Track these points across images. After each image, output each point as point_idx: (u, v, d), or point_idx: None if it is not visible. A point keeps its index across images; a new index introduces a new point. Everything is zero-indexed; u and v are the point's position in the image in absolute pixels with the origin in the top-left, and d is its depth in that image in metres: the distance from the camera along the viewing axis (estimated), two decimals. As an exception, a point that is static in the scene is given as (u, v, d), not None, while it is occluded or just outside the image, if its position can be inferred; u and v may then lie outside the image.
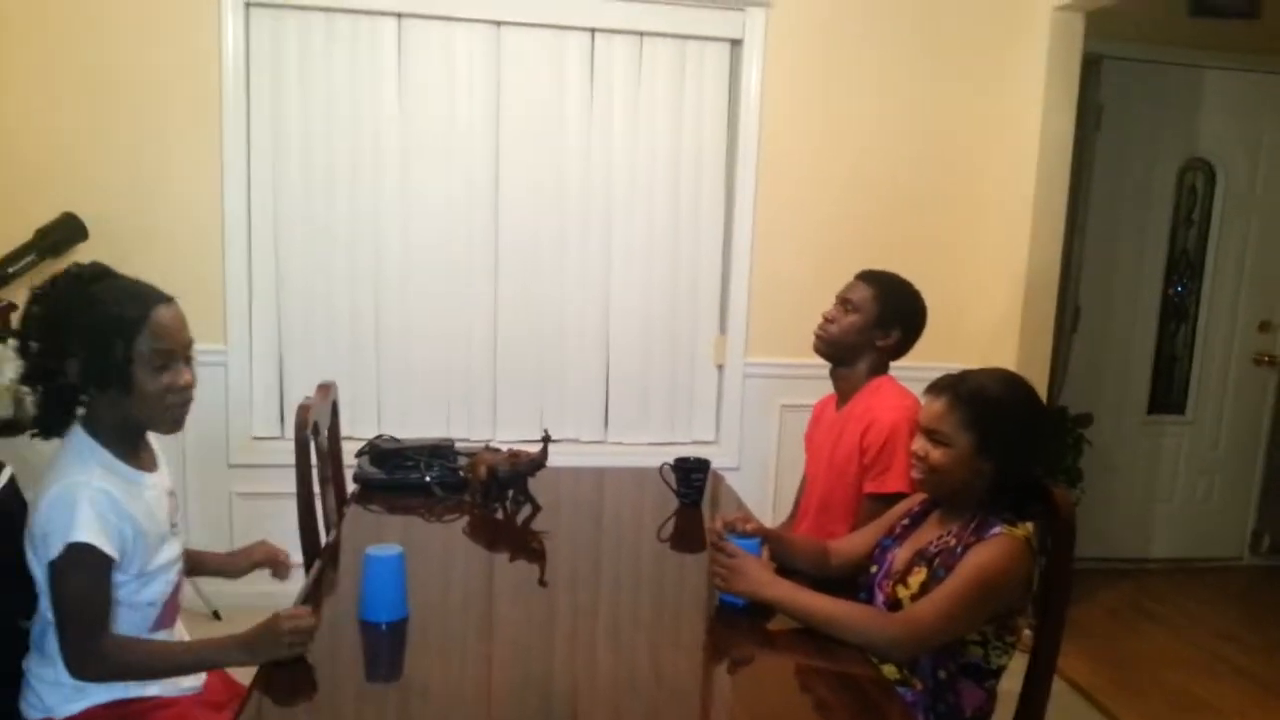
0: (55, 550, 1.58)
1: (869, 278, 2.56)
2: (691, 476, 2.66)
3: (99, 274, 1.71)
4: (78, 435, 1.70)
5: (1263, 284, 4.65)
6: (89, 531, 1.58)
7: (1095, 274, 4.47)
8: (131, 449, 1.75)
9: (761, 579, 1.89)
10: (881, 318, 2.50)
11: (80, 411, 1.71)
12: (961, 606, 1.76)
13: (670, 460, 2.70)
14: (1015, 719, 1.95)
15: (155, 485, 1.78)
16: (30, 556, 1.65)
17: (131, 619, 1.72)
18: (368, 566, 1.77)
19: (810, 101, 3.76)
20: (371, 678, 1.65)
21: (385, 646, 1.74)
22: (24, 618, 1.79)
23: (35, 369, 1.67)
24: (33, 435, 1.73)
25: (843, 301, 2.55)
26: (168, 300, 1.72)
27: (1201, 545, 4.81)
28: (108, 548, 1.60)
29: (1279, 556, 4.85)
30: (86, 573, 1.60)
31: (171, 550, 1.80)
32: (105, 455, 1.69)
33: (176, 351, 1.71)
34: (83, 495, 1.59)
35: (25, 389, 1.71)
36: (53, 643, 1.67)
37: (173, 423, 1.74)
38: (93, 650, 1.62)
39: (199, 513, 3.52)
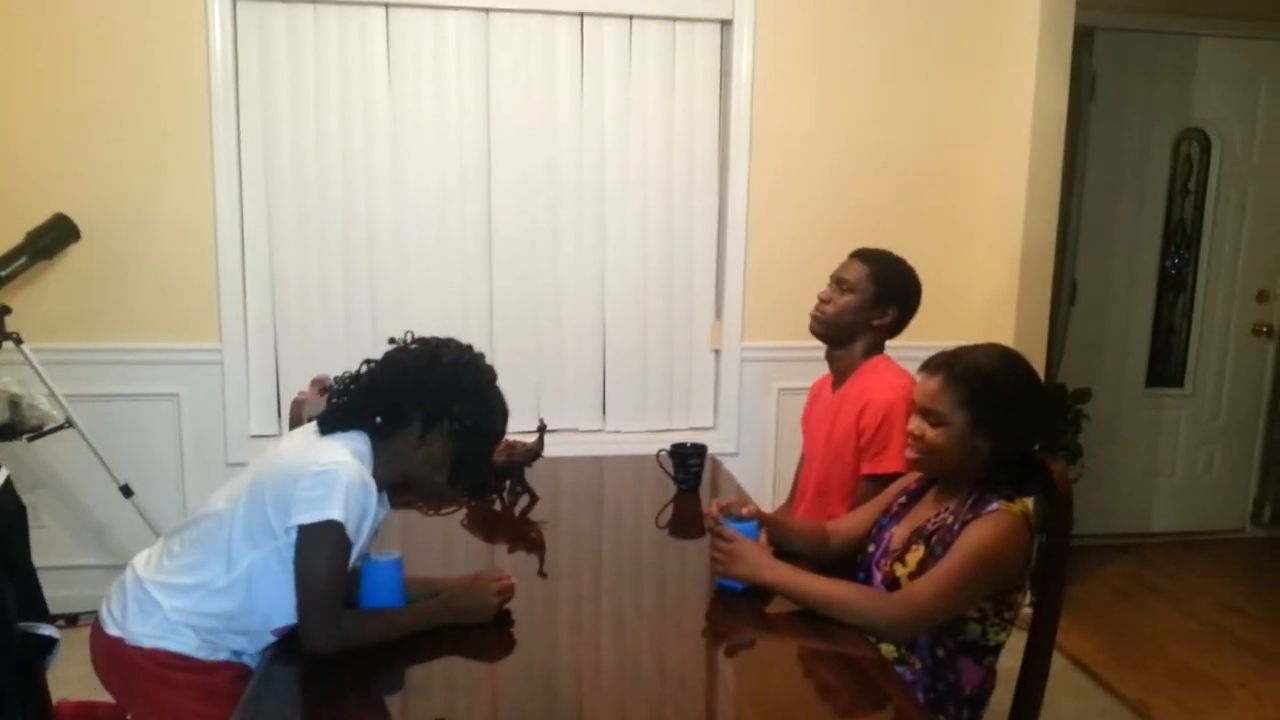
0: (304, 517, 1.60)
1: (864, 256, 2.54)
2: (689, 462, 2.66)
3: (490, 376, 1.82)
4: (363, 438, 1.74)
5: (1260, 253, 4.64)
6: (344, 513, 1.61)
7: (1092, 247, 4.46)
8: (386, 479, 1.80)
9: (759, 562, 1.89)
10: (878, 296, 2.49)
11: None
12: (959, 584, 1.76)
13: (667, 447, 2.69)
14: (1015, 696, 1.96)
15: (377, 516, 1.79)
16: (267, 486, 1.68)
17: (279, 607, 1.70)
18: (365, 574, 1.76)
19: (802, 81, 3.74)
20: (375, 673, 1.64)
21: (387, 643, 1.73)
22: (26, 618, 1.79)
23: (386, 408, 1.74)
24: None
25: (838, 281, 2.53)
26: None
27: (1203, 518, 4.81)
28: (352, 532, 1.64)
29: (1280, 527, 4.86)
30: (333, 551, 1.62)
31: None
32: (370, 465, 1.72)
33: None
34: (355, 481, 1.64)
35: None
36: (179, 572, 1.71)
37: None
38: (330, 625, 1.63)
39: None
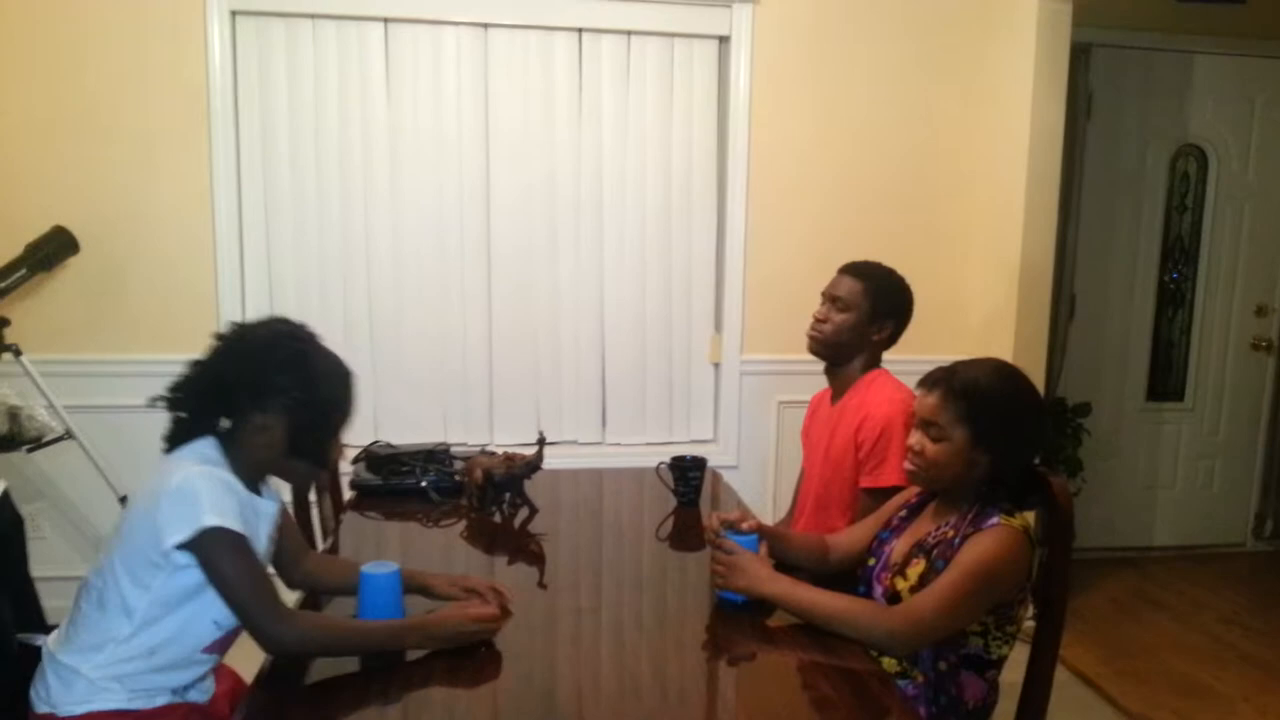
0: (177, 536, 1.56)
1: (855, 271, 2.53)
2: (688, 475, 2.65)
3: (312, 344, 1.73)
4: (209, 445, 1.69)
5: (1258, 268, 4.65)
6: (219, 515, 1.56)
7: (1090, 262, 4.47)
8: (256, 479, 1.76)
9: (760, 575, 1.88)
10: (874, 312, 2.49)
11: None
12: (960, 599, 1.75)
13: (667, 460, 2.69)
14: (1018, 709, 1.94)
15: (267, 514, 1.77)
16: (135, 529, 1.63)
17: (193, 629, 1.69)
18: (364, 585, 1.75)
19: (800, 96, 3.75)
20: (372, 688, 1.63)
21: (386, 657, 1.72)
22: (20, 630, 1.78)
23: (209, 400, 1.68)
24: (167, 450, 1.72)
25: (831, 299, 2.52)
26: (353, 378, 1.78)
27: (1204, 532, 4.80)
28: (238, 526, 1.59)
29: (1282, 541, 4.84)
30: (232, 553, 1.58)
31: None
32: (226, 467, 1.68)
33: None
34: (207, 482, 1.58)
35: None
36: (85, 635, 1.67)
37: (310, 486, 1.78)
38: (280, 620, 1.60)
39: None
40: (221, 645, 1.78)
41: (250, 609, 1.59)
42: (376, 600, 1.74)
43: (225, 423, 1.69)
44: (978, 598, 1.78)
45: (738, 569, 1.88)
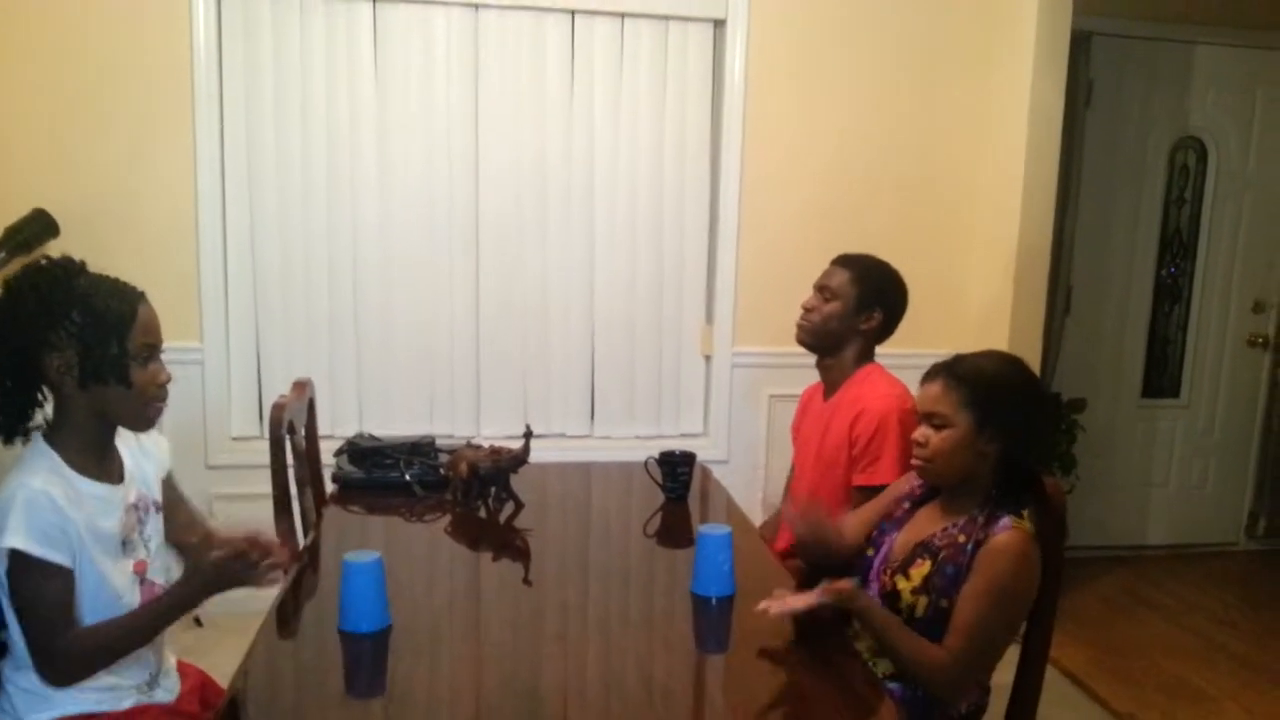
0: (3, 562, 1.54)
1: (844, 261, 2.53)
2: (677, 471, 2.61)
3: (76, 269, 1.67)
4: (37, 443, 1.66)
5: (1256, 263, 4.61)
6: (18, 536, 1.53)
7: (1087, 255, 4.43)
8: (95, 458, 1.70)
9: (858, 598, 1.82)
10: (861, 300, 2.47)
11: (40, 420, 1.67)
12: (997, 632, 1.76)
13: (655, 454, 2.64)
14: (1009, 709, 1.93)
15: (111, 499, 1.70)
16: None
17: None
18: (346, 575, 1.71)
19: (796, 82, 3.69)
20: (355, 684, 1.60)
21: (369, 653, 1.68)
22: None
23: (3, 365, 1.62)
24: None
25: (820, 289, 2.52)
26: (144, 296, 1.71)
27: (1197, 530, 4.77)
28: (43, 550, 1.54)
29: (1275, 540, 4.81)
30: (28, 578, 1.55)
31: (123, 568, 1.71)
32: (56, 461, 1.64)
33: (158, 347, 1.71)
34: (18, 497, 1.55)
35: None
36: (18, 651, 1.63)
37: (150, 420, 1.73)
38: (55, 653, 1.58)
39: (178, 514, 3.45)
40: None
41: (31, 639, 1.58)
42: (359, 591, 1.70)
43: (43, 395, 1.66)
44: (1010, 622, 1.78)
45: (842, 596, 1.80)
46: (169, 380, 1.73)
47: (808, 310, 2.51)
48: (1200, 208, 4.55)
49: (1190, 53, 4.36)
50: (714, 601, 1.89)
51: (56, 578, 1.57)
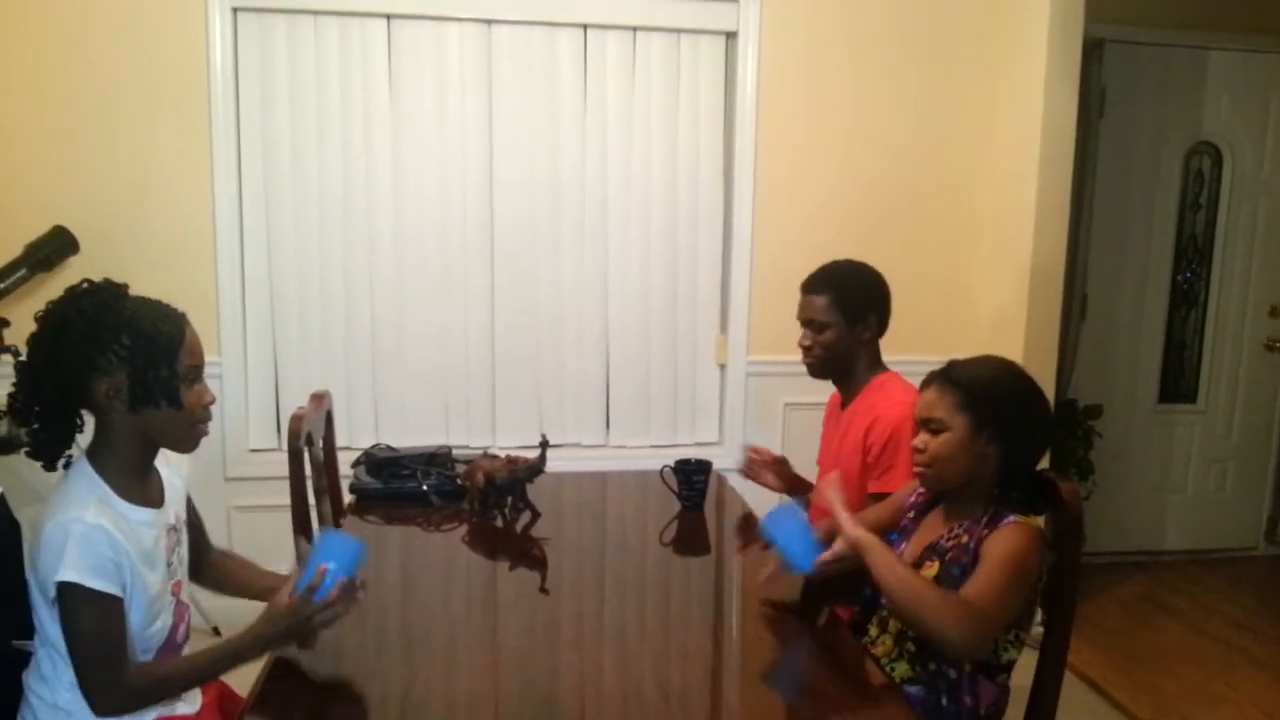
0: (50, 590, 1.56)
1: (815, 287, 2.49)
2: (693, 479, 2.61)
3: (121, 292, 1.68)
4: (81, 467, 1.66)
5: (1272, 268, 4.59)
6: (76, 570, 1.53)
7: (1102, 261, 4.42)
8: (138, 481, 1.71)
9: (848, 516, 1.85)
10: (851, 316, 2.45)
11: (82, 444, 1.68)
12: (1005, 590, 1.70)
13: (671, 463, 2.65)
14: (1027, 714, 1.92)
15: (155, 523, 1.72)
16: (31, 582, 1.63)
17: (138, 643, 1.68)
18: (322, 542, 1.72)
19: (807, 93, 3.70)
20: (372, 692, 1.61)
21: (387, 661, 1.69)
22: (17, 638, 1.75)
23: (50, 391, 1.63)
24: (29, 455, 1.68)
25: (807, 323, 2.50)
26: (187, 317, 1.72)
27: (1215, 536, 4.75)
28: (98, 583, 1.55)
29: (1294, 545, 4.79)
30: (84, 610, 1.56)
31: (164, 590, 1.73)
32: (104, 489, 1.64)
33: (201, 367, 1.72)
34: (73, 532, 1.55)
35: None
36: (49, 666, 1.64)
37: (195, 441, 1.73)
38: (111, 687, 1.59)
39: (197, 526, 3.47)
40: (172, 648, 1.76)
41: (85, 673, 1.59)
42: (332, 555, 1.67)
43: (82, 420, 1.66)
44: (1019, 589, 1.74)
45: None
46: (214, 401, 1.74)
47: (806, 348, 2.50)
48: (1216, 213, 4.54)
49: (1203, 59, 4.35)
50: (793, 569, 1.88)
51: (110, 608, 1.58)
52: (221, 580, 2.00)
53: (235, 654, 1.66)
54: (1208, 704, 3.30)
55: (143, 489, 1.72)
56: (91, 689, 1.59)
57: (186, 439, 1.72)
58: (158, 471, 1.78)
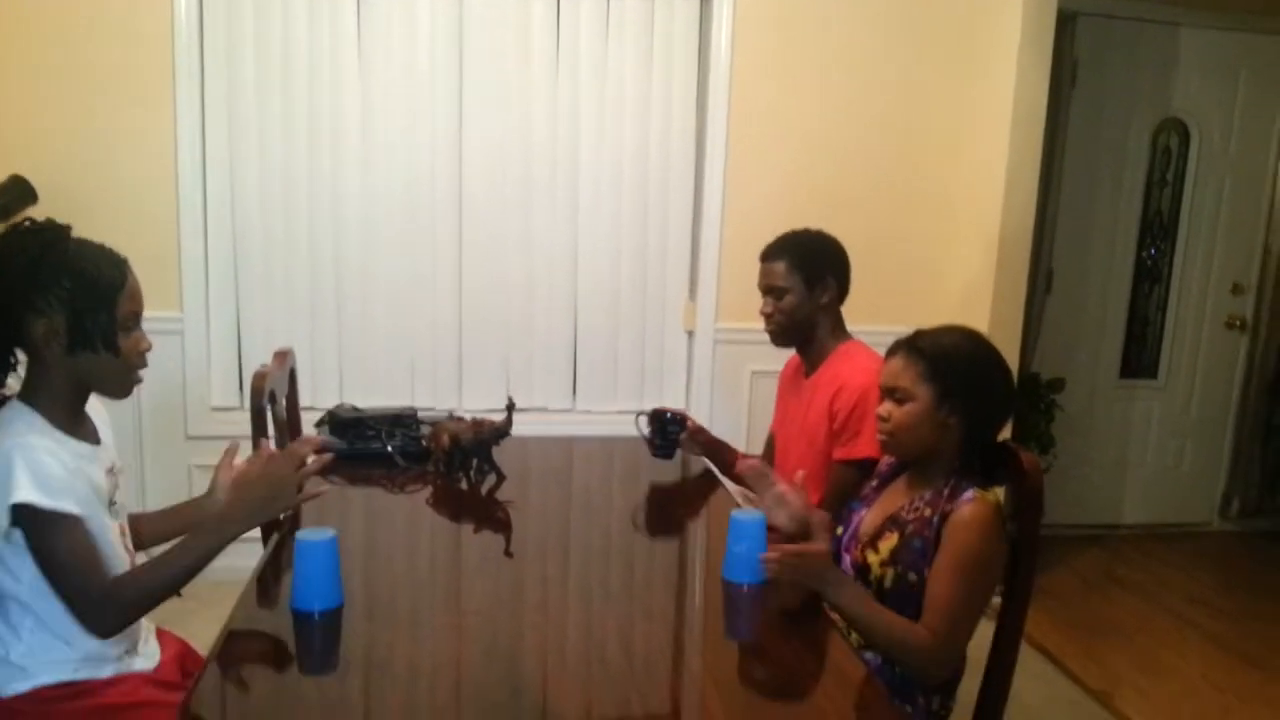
0: (4, 518, 1.52)
1: (773, 254, 2.51)
2: (668, 429, 2.62)
3: (64, 233, 1.65)
4: (15, 405, 1.63)
5: (1235, 246, 4.64)
6: (30, 490, 1.50)
7: (1069, 235, 4.45)
8: (71, 422, 1.68)
9: (829, 578, 1.75)
10: (810, 279, 2.46)
11: (11, 383, 1.65)
12: (969, 599, 1.74)
13: (647, 410, 2.66)
14: (983, 684, 1.93)
15: (96, 458, 1.70)
16: None
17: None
18: (296, 555, 1.64)
19: (781, 58, 3.68)
20: (335, 654, 1.59)
21: (350, 623, 1.66)
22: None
23: None
24: None
25: (768, 290, 2.51)
26: (129, 263, 1.70)
27: (1172, 511, 4.83)
28: (56, 502, 1.53)
29: (1248, 521, 4.88)
30: (48, 531, 1.53)
31: (114, 529, 1.71)
32: (41, 421, 1.62)
33: (140, 315, 1.70)
34: (20, 454, 1.52)
35: None
36: (10, 614, 1.61)
37: (129, 388, 1.72)
38: (103, 601, 1.57)
39: (155, 487, 3.43)
40: None
41: (70, 597, 1.56)
42: (310, 570, 1.63)
43: (16, 359, 1.64)
44: (984, 588, 1.77)
45: (811, 571, 1.75)
46: (149, 349, 1.72)
47: (768, 316, 2.51)
48: (1182, 190, 4.58)
49: (1174, 35, 4.37)
50: (745, 588, 1.83)
51: (73, 527, 1.56)
52: (146, 540, 1.94)
53: (218, 532, 1.65)
54: (1159, 675, 3.36)
55: (80, 428, 1.70)
56: (84, 613, 1.57)
57: (121, 385, 1.70)
58: (89, 416, 1.75)
